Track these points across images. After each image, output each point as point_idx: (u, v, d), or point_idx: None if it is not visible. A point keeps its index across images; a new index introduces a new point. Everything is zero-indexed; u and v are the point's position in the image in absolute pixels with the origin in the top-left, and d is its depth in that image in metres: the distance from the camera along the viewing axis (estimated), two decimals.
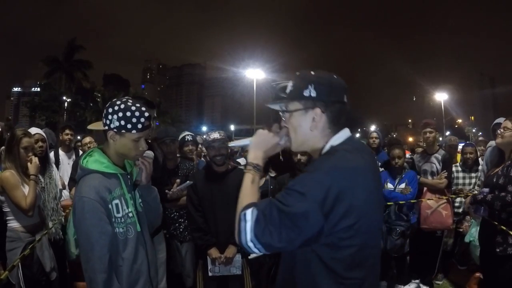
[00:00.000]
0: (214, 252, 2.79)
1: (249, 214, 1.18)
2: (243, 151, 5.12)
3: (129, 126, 1.63)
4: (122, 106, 1.65)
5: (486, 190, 2.65)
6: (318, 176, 1.17)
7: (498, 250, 2.47)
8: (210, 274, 2.82)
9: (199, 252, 2.97)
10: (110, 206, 1.62)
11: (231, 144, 1.54)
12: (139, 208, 1.80)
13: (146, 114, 1.67)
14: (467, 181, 4.38)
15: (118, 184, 1.70)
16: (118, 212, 1.66)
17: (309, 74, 1.31)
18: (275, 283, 1.44)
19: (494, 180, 2.63)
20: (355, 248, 1.18)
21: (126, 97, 1.74)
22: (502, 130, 2.74)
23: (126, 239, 1.66)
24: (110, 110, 1.65)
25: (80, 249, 1.61)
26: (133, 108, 1.65)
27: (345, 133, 1.31)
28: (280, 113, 1.38)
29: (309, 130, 1.30)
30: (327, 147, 1.29)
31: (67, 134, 4.62)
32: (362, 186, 1.20)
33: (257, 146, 1.37)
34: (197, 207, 2.89)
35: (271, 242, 1.14)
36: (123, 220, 1.67)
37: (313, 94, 1.27)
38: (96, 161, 1.67)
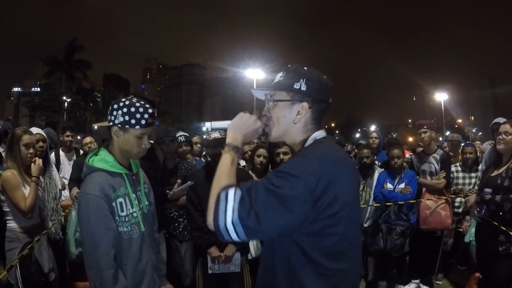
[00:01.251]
0: (214, 251, 2.81)
1: (231, 194, 1.12)
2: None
3: (132, 121, 1.65)
4: (127, 102, 1.68)
5: (489, 190, 2.65)
6: (311, 162, 1.16)
7: (501, 249, 2.52)
8: (210, 271, 2.84)
9: (198, 251, 2.98)
10: (114, 204, 1.64)
11: (212, 124, 1.49)
12: (145, 210, 1.81)
13: (150, 110, 1.69)
14: (467, 181, 4.37)
15: (122, 183, 1.71)
16: (122, 210, 1.67)
17: (302, 68, 1.32)
18: None
19: (499, 182, 2.64)
20: (337, 237, 1.18)
21: (132, 96, 1.77)
22: (503, 135, 2.72)
23: (131, 238, 1.68)
24: (115, 106, 1.68)
25: (84, 246, 1.61)
26: (138, 104, 1.68)
27: (324, 132, 1.34)
28: (266, 102, 1.37)
29: (292, 122, 1.30)
30: (310, 140, 1.31)
31: (67, 136, 4.66)
32: (346, 177, 1.24)
33: (236, 128, 1.31)
34: (197, 207, 2.90)
35: (255, 225, 1.08)
36: (127, 219, 1.68)
37: (303, 88, 1.28)
38: (101, 160, 1.70)
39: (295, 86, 1.29)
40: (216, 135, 2.94)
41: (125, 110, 1.66)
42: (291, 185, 1.11)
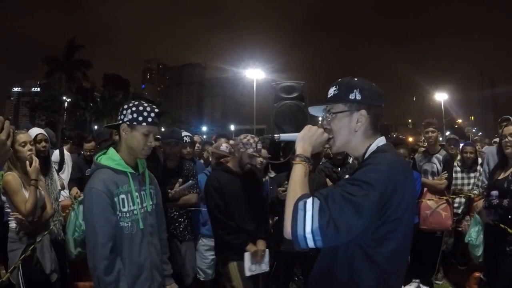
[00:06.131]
0: (252, 247, 2.72)
1: (310, 204, 1.17)
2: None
3: (140, 118, 1.81)
4: (136, 103, 1.88)
5: (495, 193, 2.65)
6: (381, 169, 1.22)
7: (508, 249, 2.55)
8: (249, 273, 2.70)
9: (230, 255, 2.79)
10: (116, 199, 1.77)
11: (281, 136, 1.55)
12: (148, 209, 1.92)
13: (156, 110, 1.87)
14: (465, 181, 4.37)
15: (126, 181, 1.84)
16: (123, 206, 1.79)
17: (353, 80, 1.40)
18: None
19: (505, 185, 2.65)
20: (398, 241, 1.24)
21: (139, 99, 1.98)
22: (508, 137, 2.71)
23: (131, 234, 1.80)
24: (125, 106, 1.87)
25: (86, 238, 1.77)
26: (145, 104, 1.87)
27: (384, 138, 1.40)
28: (323, 116, 1.45)
29: (353, 130, 1.37)
30: (373, 147, 1.36)
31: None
32: (408, 183, 1.29)
33: (306, 140, 1.38)
34: (224, 213, 2.76)
35: (333, 233, 1.13)
36: (128, 215, 1.80)
37: (358, 97, 1.36)
38: (109, 158, 1.85)
39: (350, 97, 1.36)
40: (254, 137, 2.85)
41: (133, 109, 1.83)
42: (365, 193, 1.16)
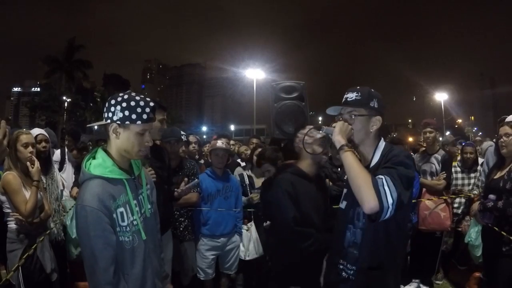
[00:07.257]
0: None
1: (384, 181, 1.50)
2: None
3: (133, 116, 1.51)
4: (126, 96, 1.54)
5: (493, 197, 2.64)
6: (410, 155, 1.70)
7: (504, 249, 2.53)
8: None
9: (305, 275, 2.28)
10: (114, 215, 1.51)
11: (324, 128, 1.83)
12: (147, 214, 1.69)
13: (151, 104, 1.56)
14: (466, 181, 4.36)
15: (123, 190, 1.57)
16: (123, 221, 1.54)
17: (371, 90, 1.77)
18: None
19: (501, 184, 2.64)
20: (407, 206, 1.63)
21: (129, 91, 1.62)
22: (503, 137, 2.70)
23: (133, 248, 1.58)
24: (113, 102, 1.53)
25: (84, 260, 1.51)
26: (137, 98, 1.54)
27: (383, 141, 1.79)
28: (341, 115, 1.78)
29: (369, 131, 1.74)
30: (382, 143, 1.76)
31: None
32: None
33: (343, 133, 1.70)
34: (300, 223, 2.29)
35: (403, 200, 1.50)
36: (128, 228, 1.56)
37: (376, 106, 1.74)
38: (99, 165, 1.54)
39: (371, 104, 1.73)
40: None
41: (124, 105, 1.51)
42: (410, 171, 1.59)
